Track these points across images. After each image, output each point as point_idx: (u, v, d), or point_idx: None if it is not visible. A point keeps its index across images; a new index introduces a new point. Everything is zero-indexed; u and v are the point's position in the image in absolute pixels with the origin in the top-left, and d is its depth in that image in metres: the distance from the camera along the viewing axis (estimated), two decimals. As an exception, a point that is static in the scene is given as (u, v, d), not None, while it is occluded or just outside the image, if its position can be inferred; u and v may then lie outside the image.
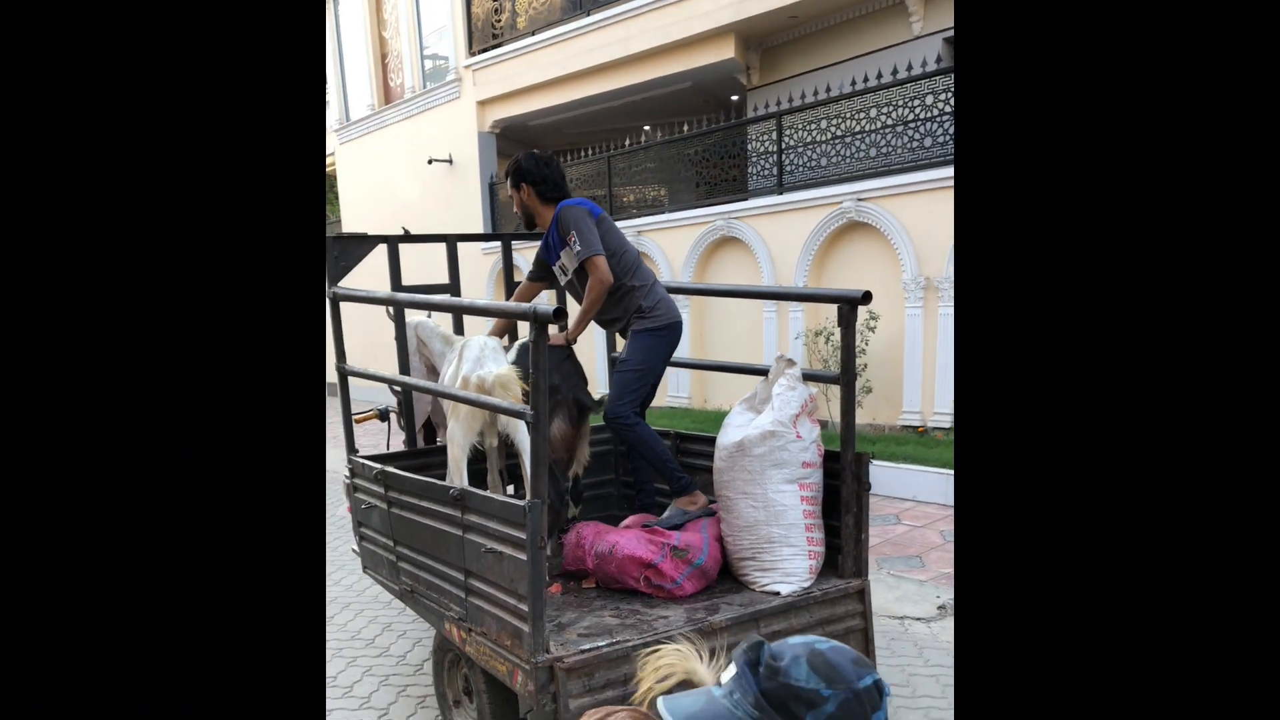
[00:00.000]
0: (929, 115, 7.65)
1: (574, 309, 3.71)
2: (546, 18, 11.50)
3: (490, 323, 4.07)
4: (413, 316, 4.08)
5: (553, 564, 3.37)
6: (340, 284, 3.76)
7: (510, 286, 4.36)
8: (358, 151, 15.26)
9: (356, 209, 15.36)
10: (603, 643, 2.63)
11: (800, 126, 8.69)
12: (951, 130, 7.36)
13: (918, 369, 7.55)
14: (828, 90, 8.44)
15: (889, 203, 7.69)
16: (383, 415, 4.80)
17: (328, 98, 16.35)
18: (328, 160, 17.32)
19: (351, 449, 3.82)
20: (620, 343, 3.80)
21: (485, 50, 12.25)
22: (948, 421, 7.31)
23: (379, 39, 14.70)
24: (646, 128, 12.70)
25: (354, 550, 4.16)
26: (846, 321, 3.05)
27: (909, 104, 7.80)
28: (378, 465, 3.50)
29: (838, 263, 8.30)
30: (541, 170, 3.52)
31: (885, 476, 6.59)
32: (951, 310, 7.19)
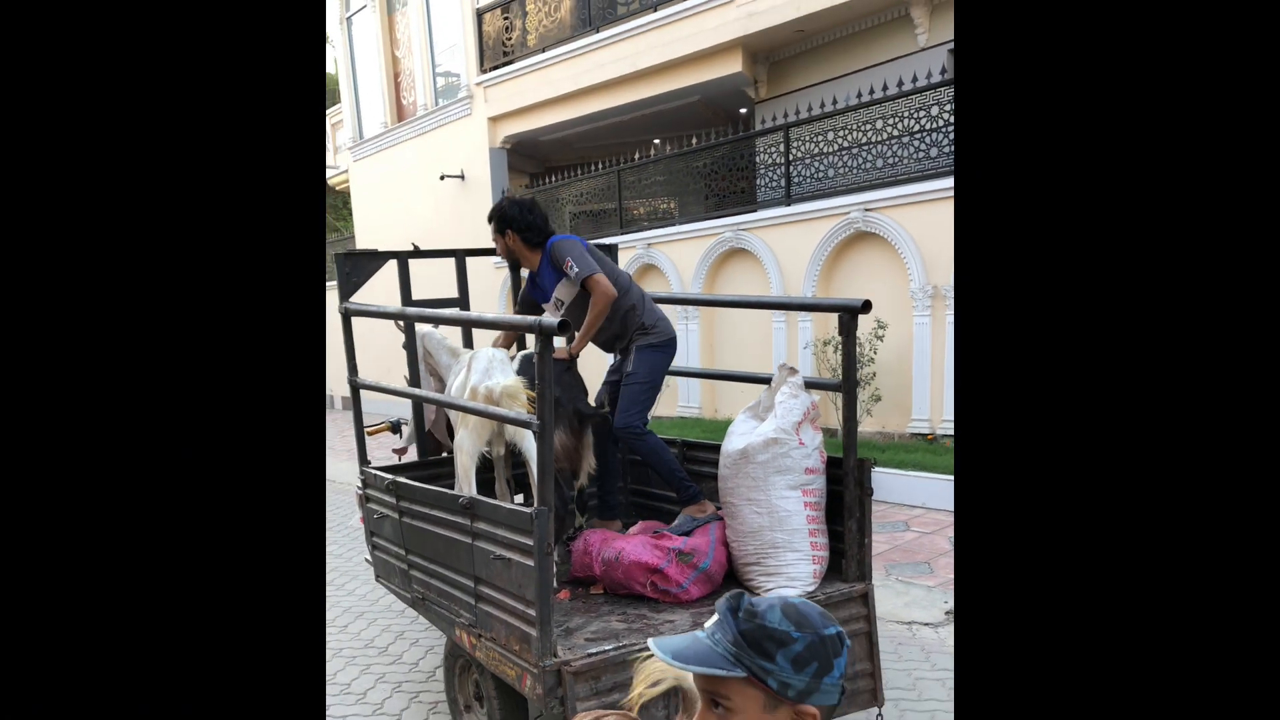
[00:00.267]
0: (935, 126, 7.70)
1: None
2: (557, 35, 11.62)
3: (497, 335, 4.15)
4: (420, 328, 4.16)
5: (560, 571, 3.43)
6: (352, 299, 3.84)
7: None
8: (371, 169, 15.43)
9: (370, 225, 15.51)
10: (609, 646, 2.68)
11: (808, 138, 8.75)
12: (957, 140, 7.40)
13: (926, 377, 7.58)
14: (834, 102, 8.51)
15: (896, 212, 7.74)
16: (394, 427, 4.87)
17: (342, 116, 16.55)
18: (342, 178, 17.52)
19: (364, 460, 3.90)
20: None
21: (496, 67, 12.39)
22: (957, 429, 7.31)
23: (392, 58, 14.88)
24: (656, 141, 12.79)
25: (367, 560, 4.24)
26: (847, 330, 3.10)
27: (915, 115, 7.85)
28: (389, 476, 3.57)
29: (846, 273, 8.35)
30: (526, 216, 3.60)
31: (894, 484, 6.62)
32: (960, 319, 7.21)
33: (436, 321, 3.91)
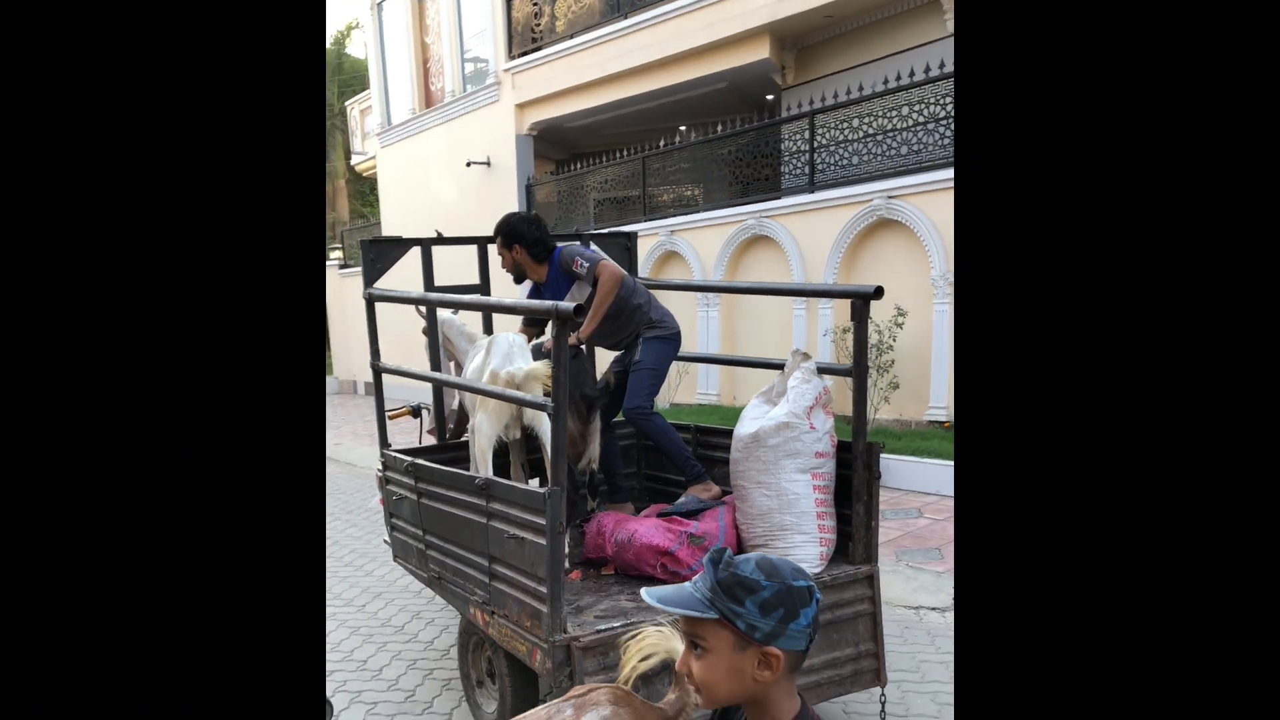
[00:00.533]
0: (960, 112, 7.65)
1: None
2: (585, 21, 11.64)
3: (518, 321, 4.22)
4: (440, 315, 4.25)
5: (573, 554, 3.51)
6: (376, 285, 3.93)
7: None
8: (399, 155, 15.54)
9: (396, 211, 15.64)
10: (618, 624, 2.75)
11: (833, 125, 8.73)
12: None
13: (944, 365, 7.56)
14: (860, 89, 8.47)
15: (919, 200, 7.72)
16: (415, 412, 4.97)
17: (371, 103, 16.67)
18: (370, 164, 17.67)
19: (384, 443, 3.99)
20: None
21: (525, 53, 12.42)
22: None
23: (421, 44, 14.96)
24: (682, 128, 12.78)
25: (385, 541, 4.34)
26: (859, 315, 3.14)
27: (941, 101, 7.81)
28: (408, 458, 3.67)
29: (867, 260, 8.34)
30: (533, 232, 3.76)
31: (909, 471, 6.64)
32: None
33: (457, 306, 3.98)
